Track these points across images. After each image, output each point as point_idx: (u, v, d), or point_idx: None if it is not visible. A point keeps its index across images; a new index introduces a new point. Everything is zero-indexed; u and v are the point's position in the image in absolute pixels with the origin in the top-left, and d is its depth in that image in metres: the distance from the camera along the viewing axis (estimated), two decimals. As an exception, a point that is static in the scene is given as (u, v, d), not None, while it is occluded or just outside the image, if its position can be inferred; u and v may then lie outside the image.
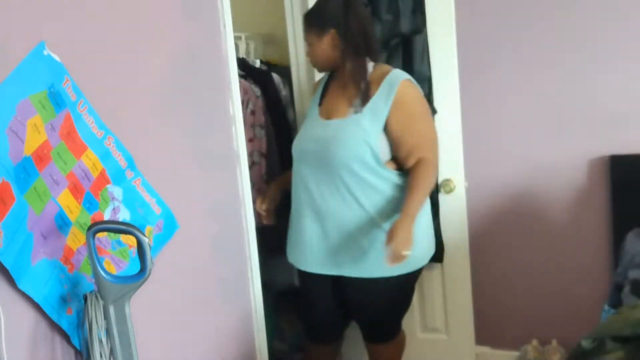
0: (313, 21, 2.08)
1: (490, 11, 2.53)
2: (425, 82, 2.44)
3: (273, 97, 2.66)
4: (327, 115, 2.08)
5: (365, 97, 1.98)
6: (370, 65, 2.05)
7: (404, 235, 1.85)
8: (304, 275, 2.19)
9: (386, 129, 1.97)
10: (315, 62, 2.13)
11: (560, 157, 2.51)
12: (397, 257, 1.85)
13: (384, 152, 1.99)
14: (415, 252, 1.91)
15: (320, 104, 2.15)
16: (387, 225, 1.96)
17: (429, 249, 2.14)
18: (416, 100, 2.02)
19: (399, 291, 2.11)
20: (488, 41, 2.55)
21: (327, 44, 2.04)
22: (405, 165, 2.00)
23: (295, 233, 2.15)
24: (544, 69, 2.48)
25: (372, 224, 1.99)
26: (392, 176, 2.00)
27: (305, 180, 2.06)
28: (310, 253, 2.09)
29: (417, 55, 2.43)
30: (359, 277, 2.04)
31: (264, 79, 2.67)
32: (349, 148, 1.95)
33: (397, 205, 1.98)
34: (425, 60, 2.43)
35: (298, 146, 2.11)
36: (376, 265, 2.00)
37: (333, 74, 2.16)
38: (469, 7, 2.52)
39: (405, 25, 2.44)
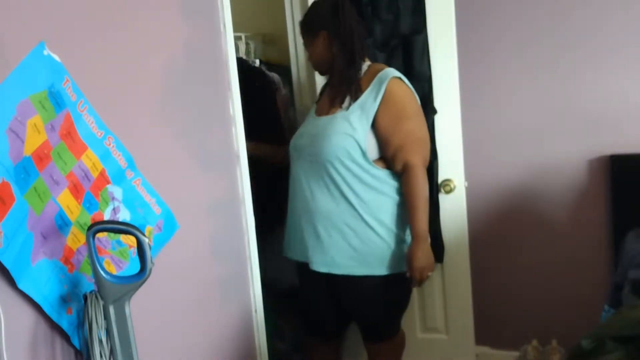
0: (306, 26, 2.14)
1: (490, 11, 2.53)
2: (425, 82, 2.44)
3: (269, 98, 2.68)
4: (320, 112, 2.13)
5: (355, 94, 2.01)
6: (365, 65, 2.08)
7: (424, 258, 1.96)
8: (301, 272, 2.21)
9: (374, 127, 1.98)
10: (315, 65, 2.19)
11: (560, 157, 2.51)
12: (422, 281, 1.99)
13: (372, 150, 2.00)
14: (407, 250, 1.99)
15: (317, 103, 2.21)
16: (374, 223, 2.00)
17: None
18: (405, 98, 2.02)
19: (393, 290, 2.09)
20: (488, 41, 2.55)
21: (320, 46, 2.09)
22: (393, 167, 2.01)
23: (290, 229, 2.19)
24: (544, 68, 2.48)
25: (359, 221, 2.00)
26: (381, 174, 2.01)
27: (298, 176, 2.10)
28: (303, 249, 2.11)
29: (417, 55, 2.43)
30: (349, 275, 2.05)
31: (261, 79, 2.68)
32: (334, 142, 1.97)
33: (385, 203, 2.01)
34: (425, 60, 2.43)
35: (292, 143, 2.16)
36: (366, 263, 2.03)
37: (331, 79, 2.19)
38: (469, 7, 2.52)
39: (405, 25, 2.44)
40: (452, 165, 2.47)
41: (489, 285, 2.70)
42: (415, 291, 2.64)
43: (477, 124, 2.59)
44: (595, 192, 2.48)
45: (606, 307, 1.99)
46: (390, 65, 2.46)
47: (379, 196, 2.00)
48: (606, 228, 2.48)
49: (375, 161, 2.01)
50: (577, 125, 2.47)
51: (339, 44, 2.04)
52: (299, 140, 2.13)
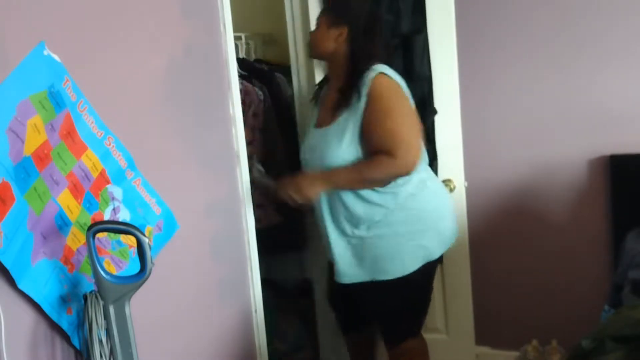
0: (334, 6, 2.04)
1: (490, 11, 2.53)
2: (425, 82, 2.44)
3: (277, 98, 2.66)
4: (319, 123, 2.07)
5: (348, 100, 1.91)
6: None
7: (303, 184, 1.93)
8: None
9: (363, 126, 1.89)
10: (312, 46, 2.09)
11: (560, 157, 2.51)
12: (285, 195, 1.95)
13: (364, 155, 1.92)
14: (405, 255, 1.97)
15: (318, 111, 2.15)
16: (384, 229, 1.95)
17: (433, 246, 2.05)
18: (390, 93, 1.90)
19: (401, 292, 2.03)
20: (488, 41, 2.55)
21: (333, 35, 1.97)
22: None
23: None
24: (544, 68, 2.48)
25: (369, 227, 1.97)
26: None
27: None
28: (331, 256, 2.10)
29: (417, 55, 2.42)
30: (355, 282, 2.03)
31: (268, 79, 2.67)
32: (330, 155, 1.92)
33: (385, 213, 1.95)
34: (425, 60, 2.43)
35: (301, 157, 2.13)
36: (368, 268, 2.01)
37: (330, 79, 2.14)
38: (469, 7, 2.52)
39: (405, 25, 2.44)
40: (452, 165, 2.46)
41: (489, 285, 2.70)
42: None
43: (477, 124, 2.59)
44: (595, 192, 2.48)
45: (606, 307, 1.99)
46: (390, 66, 2.47)
47: (376, 206, 1.94)
48: (606, 228, 2.48)
49: None
50: (577, 125, 2.47)
51: (356, 47, 1.93)
52: (303, 154, 2.10)
